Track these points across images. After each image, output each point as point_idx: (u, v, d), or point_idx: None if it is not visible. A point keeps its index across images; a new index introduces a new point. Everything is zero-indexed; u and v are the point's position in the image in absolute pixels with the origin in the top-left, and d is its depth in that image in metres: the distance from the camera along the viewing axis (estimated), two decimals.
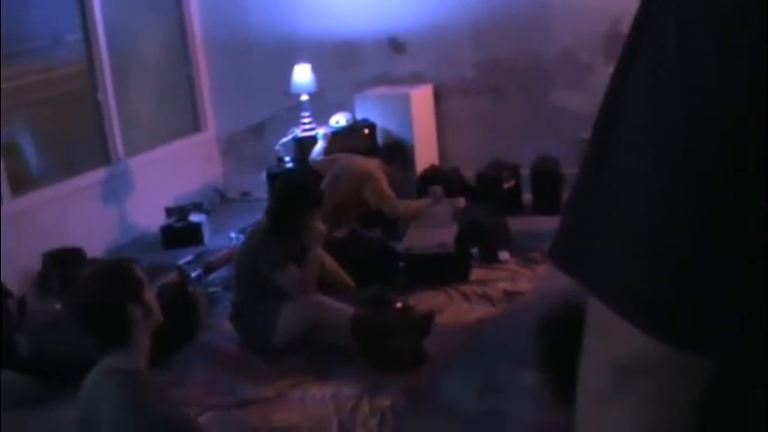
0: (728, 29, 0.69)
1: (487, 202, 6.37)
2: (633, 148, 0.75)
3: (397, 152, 6.17)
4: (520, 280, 5.49)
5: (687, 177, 0.71)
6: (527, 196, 6.91)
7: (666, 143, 0.72)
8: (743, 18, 0.68)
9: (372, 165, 5.88)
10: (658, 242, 0.73)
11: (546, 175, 6.78)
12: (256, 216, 6.10)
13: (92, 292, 2.68)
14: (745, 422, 0.80)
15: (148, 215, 6.96)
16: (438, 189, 6.08)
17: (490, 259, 5.80)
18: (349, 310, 4.63)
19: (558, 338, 2.45)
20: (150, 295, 2.77)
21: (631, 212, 0.74)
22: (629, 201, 0.75)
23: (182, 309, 4.94)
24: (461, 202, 6.22)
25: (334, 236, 5.46)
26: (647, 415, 0.78)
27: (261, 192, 7.23)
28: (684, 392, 0.77)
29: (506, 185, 6.80)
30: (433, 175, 6.79)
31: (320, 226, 4.91)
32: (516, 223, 6.22)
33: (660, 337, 0.74)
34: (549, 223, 6.44)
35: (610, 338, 0.78)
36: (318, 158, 6.24)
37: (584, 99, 6.76)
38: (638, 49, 0.77)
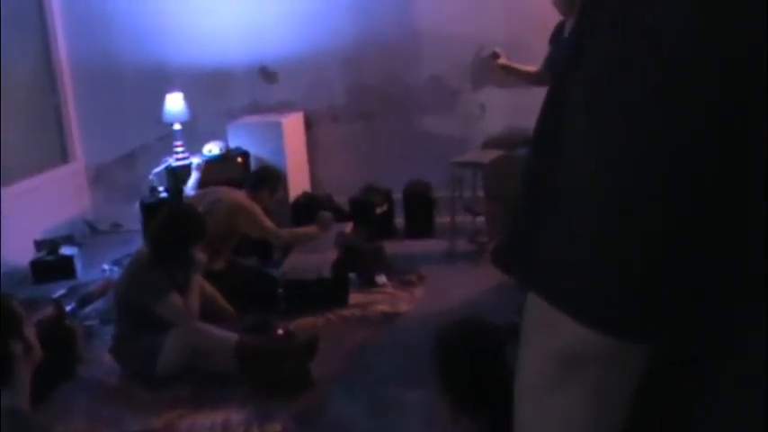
0: (666, 39, 0.73)
1: (361, 227, 6.47)
2: (573, 154, 0.79)
3: (263, 179, 6.06)
4: (398, 302, 5.59)
5: (626, 178, 0.75)
6: (399, 220, 7.04)
7: (605, 148, 0.76)
8: (680, 28, 0.72)
9: (241, 197, 5.85)
10: (597, 239, 0.77)
11: (418, 198, 6.93)
12: (128, 247, 6.04)
13: None
14: (684, 408, 0.84)
15: (17, 249, 6.77)
16: (327, 215, 6.11)
17: (368, 283, 5.89)
18: (233, 336, 4.63)
19: (454, 352, 2.55)
20: (29, 331, 2.70)
21: (570, 213, 0.79)
22: (567, 203, 0.79)
23: (60, 343, 4.85)
24: (349, 227, 6.29)
25: (213, 268, 5.43)
26: (589, 403, 0.82)
27: (133, 222, 7.15)
28: (625, 380, 0.82)
29: (379, 210, 6.91)
30: (306, 202, 6.85)
31: (200, 255, 4.91)
32: (390, 247, 6.34)
33: (601, 329, 0.78)
34: (423, 246, 6.64)
35: (552, 332, 0.82)
36: (191, 192, 6.19)
37: (452, 124, 6.98)
38: (579, 60, 0.80)
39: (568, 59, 0.82)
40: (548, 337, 0.83)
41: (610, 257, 0.78)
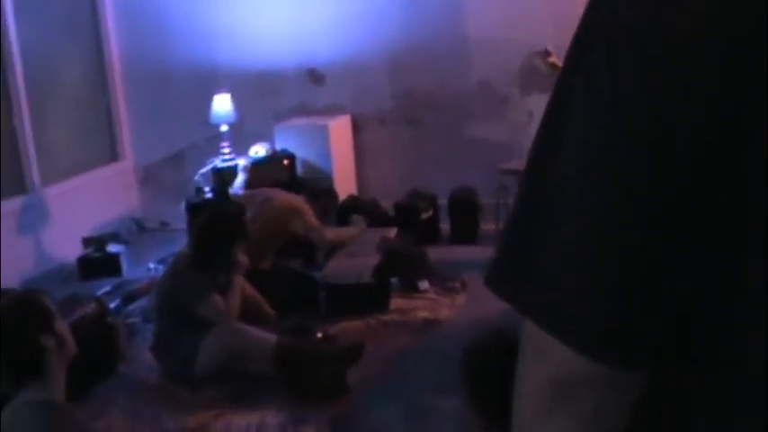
0: (651, 53, 0.72)
1: (406, 232, 6.45)
2: (567, 177, 0.77)
3: (322, 192, 6.20)
4: (439, 309, 5.56)
5: (618, 204, 0.74)
6: (445, 226, 7.01)
7: (598, 167, 0.75)
8: (665, 37, 0.71)
9: (298, 199, 5.93)
10: (588, 265, 0.76)
11: (463, 204, 6.90)
12: (175, 246, 6.09)
13: (1, 325, 2.66)
14: (682, 416, 0.82)
15: (65, 246, 6.86)
16: (359, 218, 6.14)
17: (410, 289, 5.87)
18: (272, 338, 4.64)
19: (485, 363, 2.52)
20: (62, 325, 2.74)
21: (561, 239, 0.77)
22: (558, 228, 0.77)
23: (101, 340, 4.90)
24: (393, 231, 6.29)
25: (257, 268, 5.46)
26: (582, 430, 0.80)
27: (179, 222, 7.20)
28: (618, 407, 0.80)
29: (424, 215, 6.89)
30: (352, 206, 6.85)
31: (242, 257, 4.93)
32: (434, 253, 6.30)
33: (593, 356, 0.77)
34: (467, 253, 6.59)
35: (545, 358, 0.80)
36: (240, 192, 6.25)
37: (500, 130, 6.94)
38: (575, 71, 0.79)
39: (564, 73, 0.81)
40: (541, 363, 0.82)
41: (598, 279, 0.76)
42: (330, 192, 6.36)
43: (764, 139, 0.70)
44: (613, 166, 0.75)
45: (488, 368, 2.47)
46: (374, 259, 5.75)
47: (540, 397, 0.82)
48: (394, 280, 5.84)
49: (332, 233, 6.01)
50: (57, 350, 2.65)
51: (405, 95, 7.33)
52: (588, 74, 0.77)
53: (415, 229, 6.60)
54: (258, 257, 5.46)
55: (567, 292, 0.77)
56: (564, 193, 0.78)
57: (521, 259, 0.82)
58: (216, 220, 4.93)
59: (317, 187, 6.35)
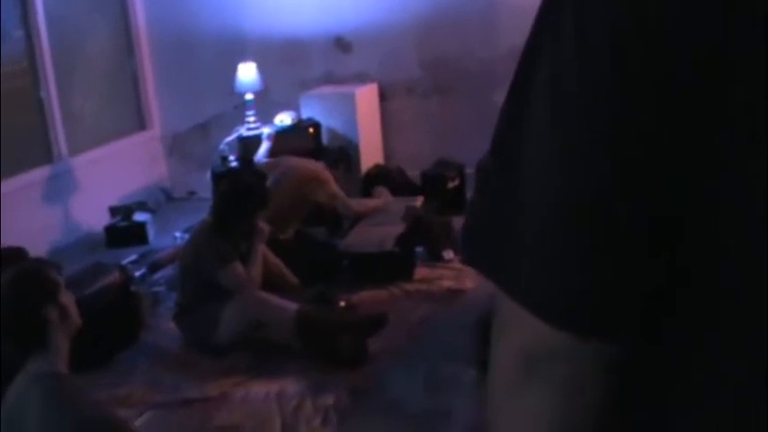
0: (622, 24, 0.69)
1: (432, 201, 6.41)
2: (534, 143, 0.75)
3: (341, 157, 6.18)
4: (464, 278, 5.51)
5: (584, 171, 0.72)
6: (471, 195, 6.95)
7: (564, 137, 0.73)
8: (637, 14, 0.68)
9: (318, 167, 5.90)
10: (558, 232, 0.73)
11: None
12: (201, 215, 6.08)
13: (5, 296, 2.67)
14: (664, 413, 0.79)
15: (92, 214, 6.90)
16: (384, 190, 6.10)
17: (434, 258, 5.83)
18: (293, 307, 4.63)
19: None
20: (67, 297, 2.75)
21: (530, 205, 0.75)
22: (527, 195, 0.75)
23: (124, 309, 4.93)
24: (419, 200, 6.25)
25: (279, 237, 5.45)
26: (556, 402, 0.78)
27: (206, 191, 7.20)
28: (593, 378, 0.77)
29: (451, 184, 6.84)
30: (377, 174, 6.82)
31: (264, 225, 4.92)
32: (460, 222, 6.24)
33: (562, 326, 0.74)
34: None
35: (516, 329, 0.78)
36: (263, 160, 6.24)
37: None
38: (541, 44, 0.76)
39: (529, 44, 0.77)
40: (512, 334, 0.79)
41: (566, 247, 0.73)
42: (347, 156, 6.29)
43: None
44: (581, 133, 0.72)
45: None
46: (398, 228, 5.73)
47: (513, 369, 0.79)
48: (419, 249, 5.81)
49: (357, 203, 5.99)
50: (60, 322, 2.66)
51: (433, 63, 7.26)
52: (554, 36, 0.74)
53: (441, 198, 6.56)
54: (281, 227, 5.46)
55: (535, 260, 0.75)
56: (533, 163, 0.75)
57: (490, 228, 0.79)
58: (236, 188, 4.93)
59: (333, 154, 6.31)
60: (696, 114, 0.68)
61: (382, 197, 6.09)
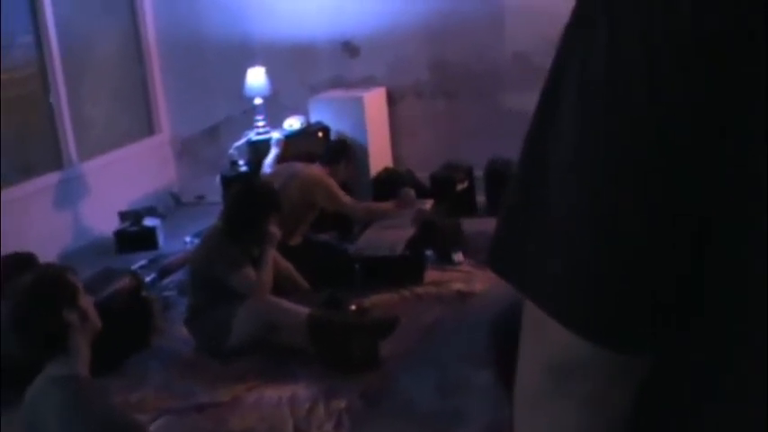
0: (657, 32, 0.69)
1: (441, 203, 6.41)
2: (564, 152, 0.75)
3: (337, 152, 6.08)
4: (474, 281, 5.51)
5: (615, 180, 0.72)
6: (480, 198, 6.96)
7: (594, 145, 0.73)
8: (671, 21, 0.68)
9: (316, 170, 5.85)
10: (588, 245, 0.73)
11: (499, 176, 6.83)
12: (211, 220, 6.08)
13: (25, 300, 2.69)
14: (681, 421, 0.80)
15: (102, 219, 6.91)
16: (410, 192, 6.08)
17: (444, 261, 5.83)
18: (304, 311, 4.63)
19: (510, 337, 2.48)
20: (86, 301, 2.78)
21: (560, 217, 0.75)
22: (558, 205, 0.75)
23: (135, 314, 4.93)
24: (428, 203, 6.25)
25: (288, 243, 5.44)
26: (581, 416, 0.78)
27: (215, 195, 7.20)
28: (618, 392, 0.77)
29: (460, 187, 6.85)
30: (387, 178, 6.83)
31: (275, 230, 4.92)
32: (470, 225, 6.25)
33: (591, 338, 0.74)
34: None
35: (543, 340, 0.78)
36: (268, 170, 6.20)
37: (536, 101, 6.84)
38: (572, 50, 0.77)
39: (561, 49, 0.78)
40: (539, 345, 0.80)
41: (597, 259, 0.73)
42: (347, 148, 6.22)
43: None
44: (610, 141, 0.72)
45: (512, 342, 2.44)
46: (408, 232, 5.73)
47: (539, 380, 0.80)
48: (429, 252, 5.81)
49: (364, 208, 5.98)
50: (80, 325, 2.68)
51: (440, 67, 7.27)
52: (586, 47, 0.75)
53: (450, 200, 6.56)
54: (288, 233, 5.44)
55: (565, 272, 0.75)
56: (561, 171, 0.75)
57: (519, 237, 0.79)
58: (248, 192, 4.94)
59: (334, 148, 6.21)
60: (727, 125, 0.68)
61: (407, 200, 6.03)
